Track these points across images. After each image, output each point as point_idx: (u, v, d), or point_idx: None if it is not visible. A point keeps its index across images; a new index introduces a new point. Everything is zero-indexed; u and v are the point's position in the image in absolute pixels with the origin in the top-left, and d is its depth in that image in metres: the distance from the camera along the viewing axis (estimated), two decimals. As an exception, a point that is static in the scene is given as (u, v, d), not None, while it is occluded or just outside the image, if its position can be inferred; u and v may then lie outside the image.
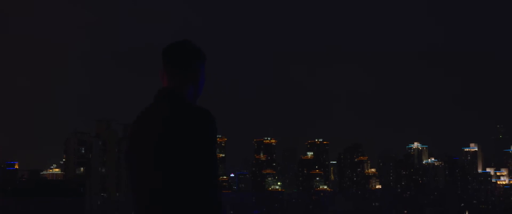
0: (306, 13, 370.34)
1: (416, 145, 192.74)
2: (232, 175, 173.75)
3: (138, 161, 3.00)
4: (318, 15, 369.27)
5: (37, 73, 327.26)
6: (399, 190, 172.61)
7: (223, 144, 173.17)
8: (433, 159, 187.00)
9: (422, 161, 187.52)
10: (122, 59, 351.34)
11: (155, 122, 3.00)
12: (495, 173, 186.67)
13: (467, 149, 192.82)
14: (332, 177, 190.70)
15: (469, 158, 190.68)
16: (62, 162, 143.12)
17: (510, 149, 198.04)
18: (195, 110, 2.99)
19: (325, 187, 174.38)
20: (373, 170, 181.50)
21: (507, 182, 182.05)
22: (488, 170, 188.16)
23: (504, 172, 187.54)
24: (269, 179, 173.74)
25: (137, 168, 2.99)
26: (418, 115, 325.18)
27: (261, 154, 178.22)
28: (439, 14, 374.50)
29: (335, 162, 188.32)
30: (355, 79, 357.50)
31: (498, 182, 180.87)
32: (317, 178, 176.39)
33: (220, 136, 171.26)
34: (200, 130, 2.92)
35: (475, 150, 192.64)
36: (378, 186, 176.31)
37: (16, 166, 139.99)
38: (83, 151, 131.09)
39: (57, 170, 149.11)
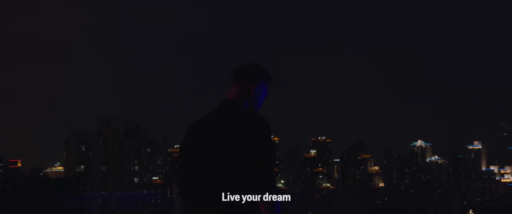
0: (306, 13, 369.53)
1: (419, 143, 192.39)
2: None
3: (204, 156, 3.52)
4: (318, 15, 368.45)
5: (37, 72, 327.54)
6: (402, 188, 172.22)
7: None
8: (436, 157, 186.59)
9: (426, 159, 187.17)
10: (123, 59, 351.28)
11: (223, 124, 3.59)
12: (499, 171, 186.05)
13: (471, 147, 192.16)
14: (336, 175, 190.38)
15: (472, 155, 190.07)
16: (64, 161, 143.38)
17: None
18: (256, 116, 3.62)
19: (328, 185, 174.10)
20: (376, 168, 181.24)
21: (511, 180, 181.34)
22: (492, 167, 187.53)
23: (508, 169, 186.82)
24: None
25: (206, 162, 3.50)
26: (422, 113, 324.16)
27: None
28: (439, 9, 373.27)
29: (338, 160, 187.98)
30: (358, 77, 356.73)
31: (502, 180, 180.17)
32: (320, 176, 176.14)
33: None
34: (261, 130, 3.55)
35: (479, 148, 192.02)
36: (382, 184, 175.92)
37: (19, 164, 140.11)
38: (83, 149, 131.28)
39: (60, 168, 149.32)
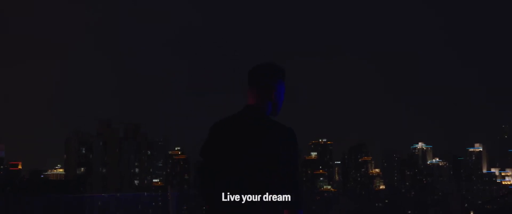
0: (306, 13, 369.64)
1: (420, 145, 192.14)
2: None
3: (233, 160, 3.57)
4: (318, 15, 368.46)
5: (37, 73, 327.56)
6: (403, 190, 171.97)
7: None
8: (437, 159, 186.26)
9: (427, 161, 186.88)
10: (123, 59, 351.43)
11: (248, 132, 3.62)
12: (500, 173, 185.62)
13: (472, 149, 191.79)
14: (337, 177, 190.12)
15: (473, 158, 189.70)
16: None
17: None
18: (282, 126, 3.65)
19: (329, 187, 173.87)
20: (377, 170, 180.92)
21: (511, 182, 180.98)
22: (493, 170, 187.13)
23: (509, 172, 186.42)
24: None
25: (232, 166, 3.57)
26: (422, 114, 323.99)
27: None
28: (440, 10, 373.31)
29: (339, 162, 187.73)
30: (358, 77, 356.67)
31: (503, 182, 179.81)
32: (321, 178, 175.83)
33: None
34: (290, 143, 3.59)
35: (480, 150, 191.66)
36: (382, 186, 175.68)
37: (20, 166, 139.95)
38: (83, 151, 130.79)
39: (61, 170, 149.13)
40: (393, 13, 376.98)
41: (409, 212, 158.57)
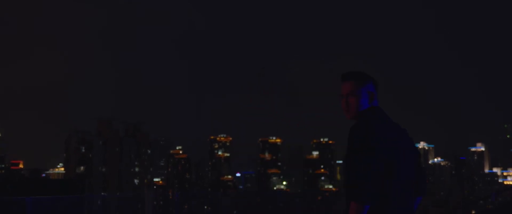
0: (309, 16, 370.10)
1: (422, 144, 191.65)
2: (238, 174, 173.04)
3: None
4: (321, 19, 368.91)
5: (37, 72, 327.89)
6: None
7: (228, 144, 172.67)
8: (439, 159, 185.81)
9: (428, 160, 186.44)
10: (124, 59, 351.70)
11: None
12: (502, 173, 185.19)
13: (474, 149, 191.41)
14: (338, 176, 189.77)
15: (475, 158, 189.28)
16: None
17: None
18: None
19: (331, 186, 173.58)
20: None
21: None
22: (495, 170, 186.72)
23: (511, 172, 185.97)
24: (274, 178, 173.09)
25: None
26: (425, 114, 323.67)
27: (266, 154, 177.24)
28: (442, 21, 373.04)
29: (341, 161, 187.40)
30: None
31: (505, 182, 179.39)
32: (323, 178, 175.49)
33: (224, 136, 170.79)
34: (349, 138, 4.25)
35: (482, 150, 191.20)
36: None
37: (21, 165, 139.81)
38: (83, 150, 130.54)
39: (62, 169, 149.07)
40: (394, 15, 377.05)
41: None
